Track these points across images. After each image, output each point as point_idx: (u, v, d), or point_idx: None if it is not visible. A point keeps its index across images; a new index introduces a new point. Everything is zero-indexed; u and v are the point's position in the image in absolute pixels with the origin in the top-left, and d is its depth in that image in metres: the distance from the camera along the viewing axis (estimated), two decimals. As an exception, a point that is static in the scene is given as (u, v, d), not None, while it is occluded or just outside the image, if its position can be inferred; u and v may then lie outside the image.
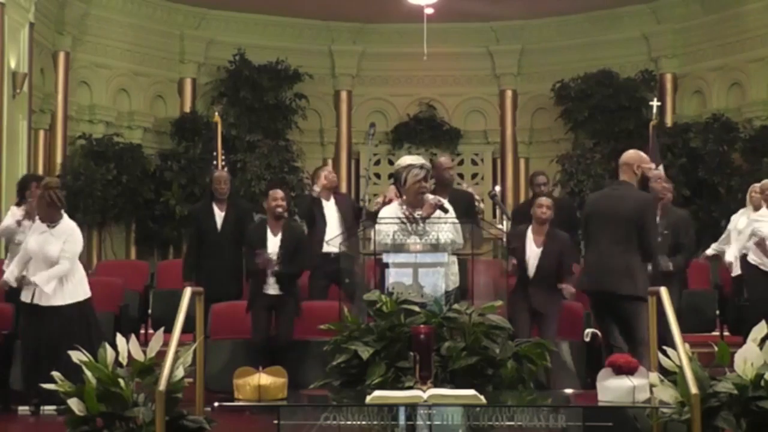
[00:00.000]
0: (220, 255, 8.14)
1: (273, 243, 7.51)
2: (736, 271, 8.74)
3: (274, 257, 7.43)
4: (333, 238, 7.68)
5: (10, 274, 7.10)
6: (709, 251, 9.33)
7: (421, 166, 5.83)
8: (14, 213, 8.01)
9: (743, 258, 8.30)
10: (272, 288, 7.47)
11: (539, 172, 9.50)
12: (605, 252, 6.22)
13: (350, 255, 6.81)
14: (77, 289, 6.99)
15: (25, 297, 6.98)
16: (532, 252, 7.27)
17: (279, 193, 7.63)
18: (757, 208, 8.37)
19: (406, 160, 5.98)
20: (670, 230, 7.10)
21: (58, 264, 6.87)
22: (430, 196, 5.75)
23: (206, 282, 7.90)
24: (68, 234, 6.97)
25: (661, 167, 10.91)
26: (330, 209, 8.37)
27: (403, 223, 5.63)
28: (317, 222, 8.27)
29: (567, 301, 7.50)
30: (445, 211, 5.70)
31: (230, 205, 8.42)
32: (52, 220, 6.98)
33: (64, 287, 6.90)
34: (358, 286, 6.15)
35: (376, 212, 7.20)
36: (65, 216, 7.09)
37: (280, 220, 7.58)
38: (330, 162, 15.12)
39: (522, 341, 5.30)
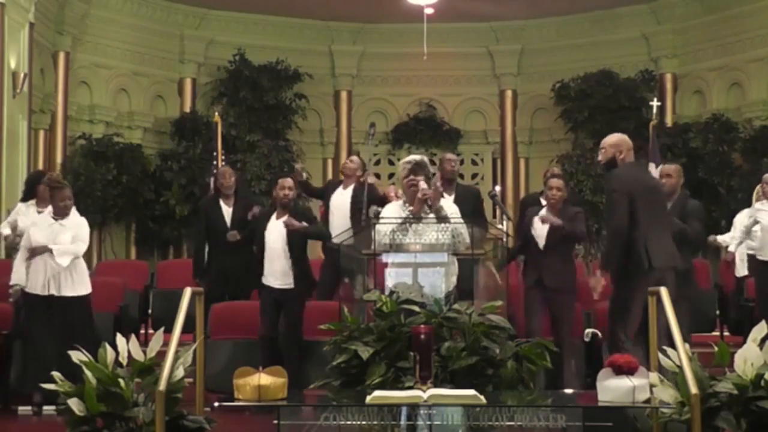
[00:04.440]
0: (231, 250, 8.12)
1: (275, 228, 7.37)
2: (742, 272, 8.77)
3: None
4: (339, 234, 7.67)
5: (19, 275, 7.13)
6: (719, 238, 9.35)
7: (408, 161, 5.87)
8: (21, 209, 8.09)
9: (751, 258, 8.36)
10: (275, 279, 7.35)
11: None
12: (664, 229, 6.01)
13: (350, 254, 6.80)
14: (84, 282, 7.13)
15: (33, 288, 6.99)
16: (540, 226, 7.09)
17: (288, 181, 7.46)
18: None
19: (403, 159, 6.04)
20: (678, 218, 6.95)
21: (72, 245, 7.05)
22: (423, 187, 5.73)
23: (219, 278, 7.92)
24: (80, 225, 7.18)
25: (661, 167, 10.90)
26: (340, 198, 8.33)
27: (402, 223, 5.63)
28: (326, 205, 8.35)
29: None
30: (430, 207, 5.69)
31: (237, 199, 8.41)
32: (67, 215, 7.12)
33: (75, 279, 7.00)
34: (358, 285, 6.15)
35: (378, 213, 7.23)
36: (74, 210, 7.26)
37: (287, 209, 7.42)
38: (330, 162, 15.15)
39: (522, 341, 5.30)
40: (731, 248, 9.01)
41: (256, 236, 7.49)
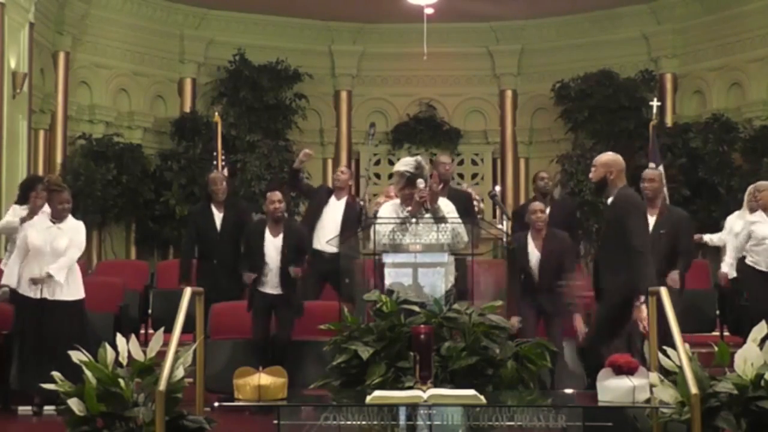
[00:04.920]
0: (220, 256, 8.12)
1: (271, 243, 7.52)
2: (732, 274, 8.70)
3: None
4: (331, 240, 7.71)
5: (10, 276, 7.12)
6: (706, 237, 9.34)
7: (402, 174, 5.79)
8: (16, 211, 8.03)
9: (741, 260, 8.27)
10: (271, 287, 7.48)
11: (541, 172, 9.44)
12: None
13: (350, 255, 6.82)
14: (79, 288, 7.10)
15: (26, 291, 6.99)
16: (535, 258, 7.29)
17: (276, 194, 7.60)
18: (753, 211, 8.31)
19: (397, 165, 5.96)
20: (667, 231, 7.00)
21: (66, 255, 7.01)
22: (420, 188, 5.70)
23: (207, 284, 7.91)
24: (77, 230, 7.16)
25: (661, 167, 10.92)
26: (334, 208, 8.41)
27: (401, 223, 5.63)
28: (313, 211, 8.39)
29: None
30: (426, 210, 5.69)
31: (228, 205, 8.39)
32: (64, 218, 7.09)
33: (70, 283, 6.99)
34: (358, 286, 6.16)
35: (376, 213, 7.26)
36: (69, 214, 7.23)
37: (280, 222, 7.58)
38: (330, 162, 15.15)
39: (522, 341, 5.30)
40: (724, 268, 8.83)
41: (254, 250, 7.54)
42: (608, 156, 6.13)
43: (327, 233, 8.11)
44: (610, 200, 6.06)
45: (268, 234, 7.53)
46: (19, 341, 7.09)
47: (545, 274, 7.24)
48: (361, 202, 8.71)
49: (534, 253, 7.29)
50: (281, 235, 7.51)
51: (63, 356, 4.70)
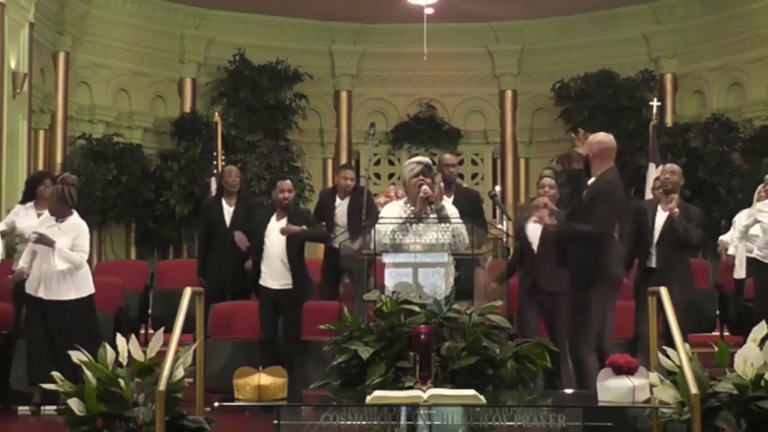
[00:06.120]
0: (228, 249, 8.12)
1: (275, 229, 7.40)
2: (740, 274, 8.71)
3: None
4: (340, 234, 7.74)
5: (24, 262, 7.12)
6: (722, 238, 9.34)
7: (419, 162, 5.85)
8: (20, 212, 7.98)
9: (751, 261, 8.29)
10: (274, 280, 7.37)
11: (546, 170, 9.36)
12: None
13: (350, 255, 6.82)
14: (82, 285, 7.08)
15: (30, 289, 6.99)
16: (534, 229, 6.97)
17: (287, 184, 7.55)
18: None
19: (413, 159, 6.02)
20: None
21: (72, 251, 6.98)
22: (425, 187, 5.70)
23: (216, 277, 7.92)
24: (77, 229, 7.08)
25: (661, 167, 10.92)
26: (341, 208, 8.46)
27: (403, 223, 5.63)
28: (325, 216, 8.37)
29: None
30: (431, 206, 5.68)
31: (240, 200, 8.42)
32: (60, 215, 7.07)
33: (68, 282, 6.97)
34: (359, 286, 6.16)
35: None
36: (75, 213, 7.18)
37: (286, 210, 7.48)
38: (330, 162, 15.15)
39: (522, 341, 5.30)
40: (730, 250, 8.97)
41: (255, 237, 7.50)
42: (594, 136, 6.09)
43: (340, 231, 8.17)
44: (591, 180, 5.99)
45: (273, 221, 7.43)
46: (26, 340, 7.10)
47: (545, 246, 6.89)
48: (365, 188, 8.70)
49: (532, 227, 6.98)
50: (285, 218, 7.41)
51: (62, 355, 4.71)
